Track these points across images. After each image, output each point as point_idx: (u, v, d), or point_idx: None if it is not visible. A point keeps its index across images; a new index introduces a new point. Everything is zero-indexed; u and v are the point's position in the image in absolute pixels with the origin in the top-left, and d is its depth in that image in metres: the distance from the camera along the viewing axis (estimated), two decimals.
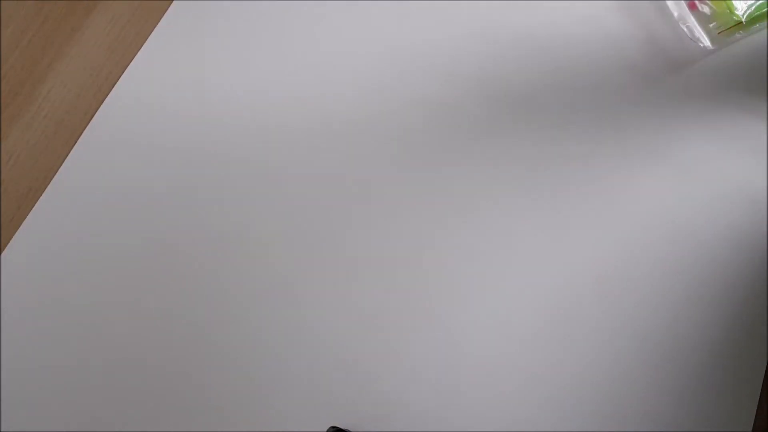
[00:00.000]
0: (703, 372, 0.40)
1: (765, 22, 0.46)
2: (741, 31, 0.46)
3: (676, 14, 0.48)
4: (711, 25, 0.47)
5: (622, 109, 0.45)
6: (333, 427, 0.37)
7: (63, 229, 0.44)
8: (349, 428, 0.37)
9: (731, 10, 0.47)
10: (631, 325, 0.41)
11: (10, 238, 0.44)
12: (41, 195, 0.45)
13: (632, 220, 0.42)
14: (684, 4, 0.48)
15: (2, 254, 0.43)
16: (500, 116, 0.44)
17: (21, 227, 0.44)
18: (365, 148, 0.45)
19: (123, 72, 0.49)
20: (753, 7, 0.46)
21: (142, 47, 0.50)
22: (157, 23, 0.51)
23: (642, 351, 0.40)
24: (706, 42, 0.47)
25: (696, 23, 0.47)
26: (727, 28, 0.46)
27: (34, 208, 0.45)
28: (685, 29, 0.47)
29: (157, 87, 0.48)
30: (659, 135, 0.45)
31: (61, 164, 0.46)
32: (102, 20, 0.51)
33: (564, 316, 0.41)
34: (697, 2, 0.49)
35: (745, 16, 0.46)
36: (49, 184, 0.45)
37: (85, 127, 0.47)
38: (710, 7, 0.48)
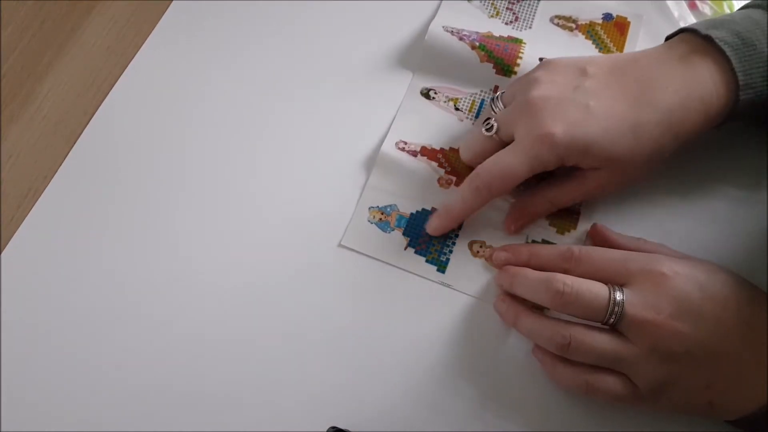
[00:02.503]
0: None
1: None
2: None
3: (676, 14, 0.48)
4: None
5: None
6: (333, 427, 0.37)
7: (63, 229, 0.44)
8: (349, 428, 0.37)
9: (731, 9, 0.47)
10: None
11: (10, 238, 0.44)
12: (41, 195, 0.45)
13: None
14: (684, 4, 0.48)
15: (2, 254, 0.43)
16: None
17: (21, 227, 0.44)
18: None
19: (122, 72, 0.49)
20: None
21: (142, 47, 0.50)
22: (156, 23, 0.51)
23: None
24: None
25: None
26: None
27: (34, 208, 0.45)
28: None
29: (157, 87, 0.48)
30: None
31: (60, 164, 0.46)
32: (102, 20, 0.51)
33: None
34: (697, 2, 0.48)
35: None
36: (49, 184, 0.45)
37: (85, 127, 0.47)
38: (710, 7, 0.48)
